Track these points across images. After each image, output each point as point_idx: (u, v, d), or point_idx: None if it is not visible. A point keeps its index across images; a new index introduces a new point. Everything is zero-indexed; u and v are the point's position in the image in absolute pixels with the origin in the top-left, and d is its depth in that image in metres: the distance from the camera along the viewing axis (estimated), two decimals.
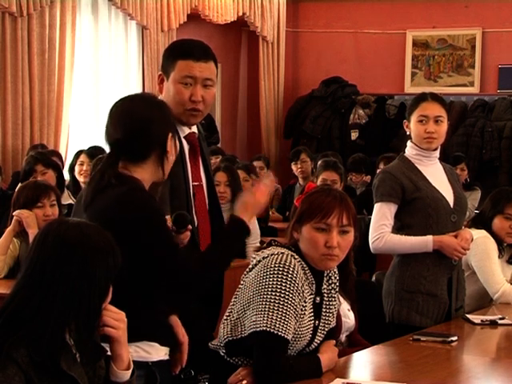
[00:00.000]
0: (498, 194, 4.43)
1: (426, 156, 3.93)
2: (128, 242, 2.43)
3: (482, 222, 4.36)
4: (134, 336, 2.42)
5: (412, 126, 3.92)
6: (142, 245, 2.50)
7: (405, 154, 3.97)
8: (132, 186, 2.56)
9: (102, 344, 2.20)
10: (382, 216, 3.86)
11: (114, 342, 2.19)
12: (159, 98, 2.91)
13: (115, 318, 2.19)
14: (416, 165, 3.93)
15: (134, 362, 2.37)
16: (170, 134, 2.64)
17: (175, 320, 2.67)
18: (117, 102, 2.70)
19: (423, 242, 3.81)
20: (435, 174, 3.95)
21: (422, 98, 3.95)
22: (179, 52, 3.06)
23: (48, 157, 6.02)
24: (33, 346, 2.02)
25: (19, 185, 6.42)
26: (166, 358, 2.63)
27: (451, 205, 3.90)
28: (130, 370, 2.23)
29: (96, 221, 2.41)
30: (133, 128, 2.60)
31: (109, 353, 2.21)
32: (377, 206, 3.90)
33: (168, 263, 2.53)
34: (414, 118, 3.91)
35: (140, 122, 2.60)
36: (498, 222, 4.31)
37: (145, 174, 2.61)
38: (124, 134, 2.60)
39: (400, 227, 3.91)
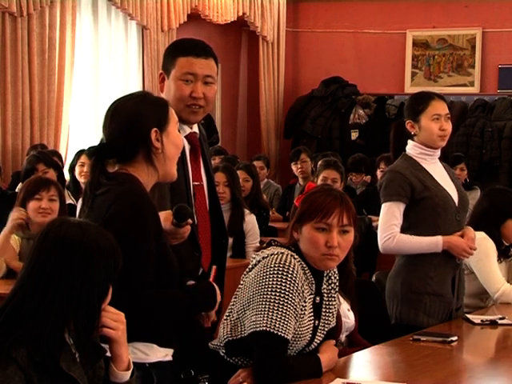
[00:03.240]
0: (504, 198, 4.40)
1: (429, 155, 3.93)
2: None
3: (487, 225, 4.33)
4: (132, 337, 2.42)
5: (424, 125, 3.88)
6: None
7: (407, 154, 3.96)
8: (131, 187, 2.53)
9: (102, 344, 2.20)
10: (392, 216, 3.84)
11: (113, 343, 2.19)
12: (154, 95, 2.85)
13: (114, 319, 2.18)
14: (421, 164, 3.92)
15: None
16: (154, 129, 2.55)
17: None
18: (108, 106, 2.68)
19: (433, 243, 3.80)
20: (439, 172, 3.95)
21: (429, 97, 3.94)
22: (180, 49, 3.07)
23: (49, 156, 6.04)
24: (32, 345, 2.02)
25: (20, 184, 6.46)
26: (167, 359, 2.62)
27: (456, 203, 3.90)
28: (130, 371, 2.23)
29: (98, 219, 2.41)
30: (113, 129, 2.56)
31: (108, 353, 2.21)
32: (386, 206, 3.87)
33: (133, 281, 2.43)
34: (426, 117, 3.88)
35: (119, 121, 2.56)
36: (510, 226, 4.31)
37: (140, 174, 2.56)
38: (107, 137, 2.59)
39: (407, 227, 3.88)
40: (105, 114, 2.63)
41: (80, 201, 2.90)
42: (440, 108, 3.90)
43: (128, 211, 2.46)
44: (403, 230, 3.87)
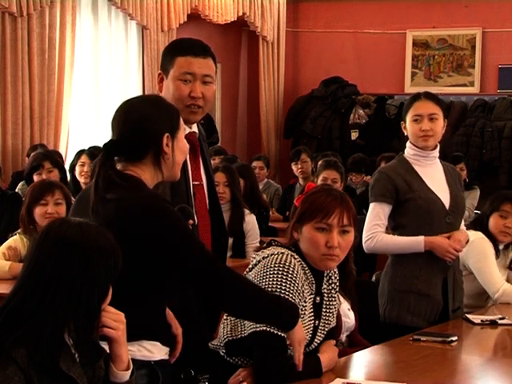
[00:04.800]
0: (496, 195, 4.47)
1: (423, 156, 3.94)
2: (144, 244, 2.44)
3: (480, 224, 4.37)
4: (137, 335, 2.43)
5: (408, 126, 3.94)
6: (167, 247, 2.47)
7: (403, 155, 3.99)
8: (142, 193, 2.53)
9: (102, 344, 2.20)
10: (376, 216, 3.88)
11: (113, 343, 2.20)
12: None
13: (114, 319, 2.19)
14: (413, 165, 3.93)
15: (137, 360, 2.38)
16: (167, 134, 2.57)
17: (168, 313, 2.68)
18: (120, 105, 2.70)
19: (415, 243, 3.82)
20: (433, 174, 3.95)
21: (415, 98, 3.97)
22: (178, 49, 3.07)
23: (55, 157, 6.11)
24: (32, 345, 2.02)
25: (20, 184, 6.48)
26: (167, 357, 2.63)
27: (446, 206, 3.89)
28: (130, 371, 2.23)
29: (108, 223, 2.41)
30: (126, 128, 2.58)
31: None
32: (371, 206, 3.93)
33: (200, 261, 2.52)
34: (408, 117, 3.93)
35: (133, 121, 2.57)
36: (493, 221, 4.34)
37: (144, 175, 2.58)
38: (118, 134, 2.60)
39: (394, 227, 3.94)
40: (117, 111, 2.63)
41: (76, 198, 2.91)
42: (422, 108, 3.90)
43: (154, 209, 2.49)
44: (392, 230, 3.94)
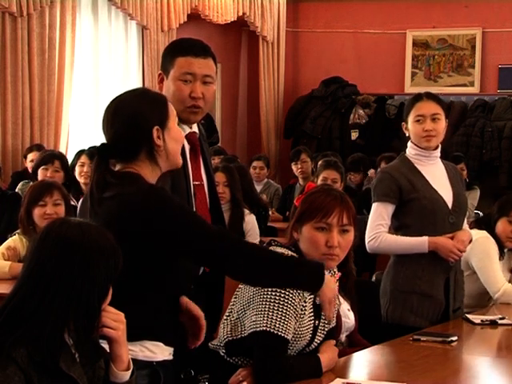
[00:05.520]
0: (506, 198, 4.46)
1: (425, 156, 3.94)
2: (146, 235, 2.44)
3: (486, 223, 4.37)
4: (138, 335, 2.43)
5: (410, 126, 3.93)
6: (180, 240, 2.50)
7: (405, 154, 3.99)
8: (140, 187, 2.53)
9: (102, 344, 2.20)
10: (379, 216, 3.87)
11: (113, 343, 2.19)
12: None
13: (114, 319, 2.19)
14: (416, 165, 3.93)
15: (139, 361, 2.38)
16: (156, 127, 2.56)
17: (185, 299, 2.68)
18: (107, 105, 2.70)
19: (419, 243, 3.81)
20: (435, 174, 3.95)
21: (417, 98, 3.96)
22: (178, 49, 3.07)
23: (67, 163, 6.16)
24: (32, 345, 2.02)
25: (20, 184, 6.48)
26: (170, 358, 2.63)
27: (449, 206, 3.89)
28: (130, 371, 2.23)
29: (109, 222, 2.41)
30: (116, 128, 2.57)
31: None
32: (374, 206, 3.92)
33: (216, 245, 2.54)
34: (411, 118, 3.93)
35: (121, 120, 2.57)
36: (500, 225, 4.32)
37: (142, 171, 2.57)
38: (109, 137, 2.59)
39: (398, 227, 3.92)
40: (104, 113, 2.64)
41: (81, 201, 2.91)
42: (424, 109, 3.90)
43: (160, 204, 2.49)
44: (395, 230, 3.92)
